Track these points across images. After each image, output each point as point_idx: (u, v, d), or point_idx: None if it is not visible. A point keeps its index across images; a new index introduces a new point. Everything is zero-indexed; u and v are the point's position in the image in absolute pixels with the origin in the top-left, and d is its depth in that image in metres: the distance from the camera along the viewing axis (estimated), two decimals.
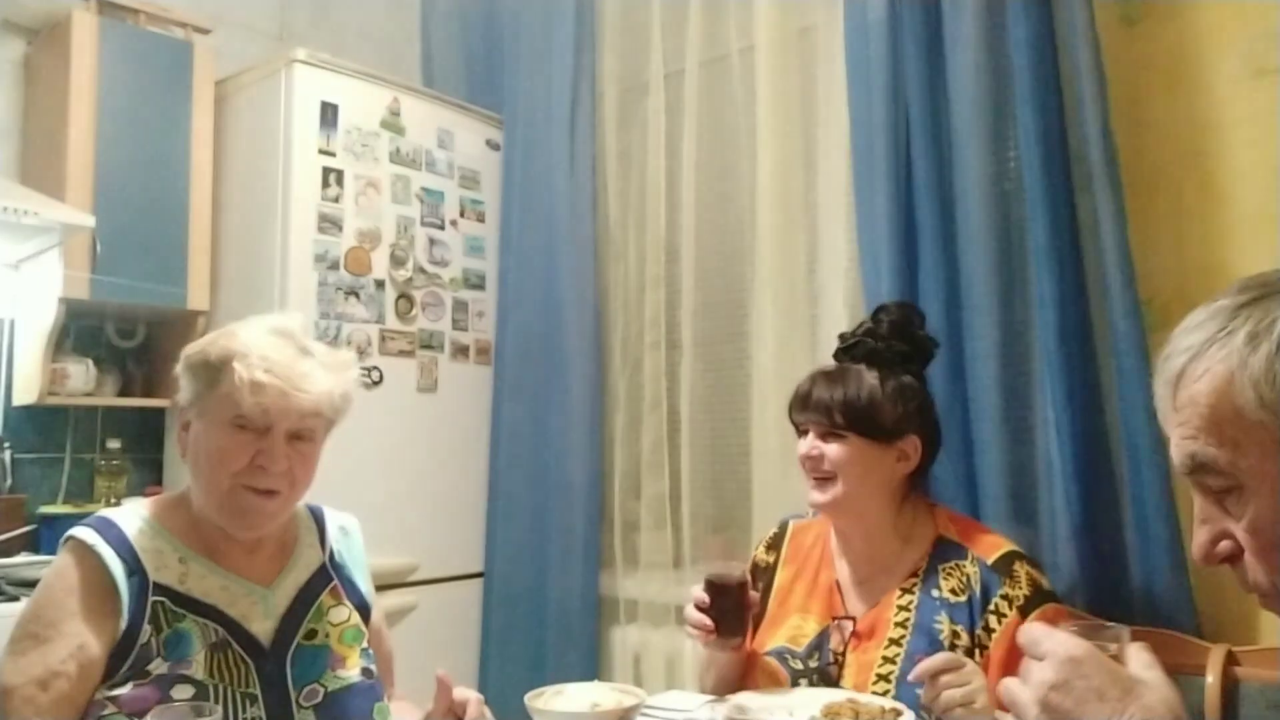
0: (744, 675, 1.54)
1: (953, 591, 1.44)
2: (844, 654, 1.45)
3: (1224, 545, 0.75)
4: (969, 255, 1.86)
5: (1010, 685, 0.78)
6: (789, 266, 2.28)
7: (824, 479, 1.49)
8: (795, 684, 1.45)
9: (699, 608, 1.44)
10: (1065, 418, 1.73)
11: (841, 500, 1.48)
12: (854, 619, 1.47)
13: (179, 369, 1.27)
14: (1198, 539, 0.77)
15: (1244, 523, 0.73)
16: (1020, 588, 1.41)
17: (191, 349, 1.27)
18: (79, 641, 1.13)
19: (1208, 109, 1.79)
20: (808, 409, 1.52)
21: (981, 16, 1.86)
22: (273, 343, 1.24)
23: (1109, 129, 1.75)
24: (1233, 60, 1.76)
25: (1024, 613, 1.38)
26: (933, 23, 1.93)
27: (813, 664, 1.46)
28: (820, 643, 1.48)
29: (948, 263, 1.89)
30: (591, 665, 2.56)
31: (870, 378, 1.50)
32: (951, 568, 1.46)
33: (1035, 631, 0.79)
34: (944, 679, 1.24)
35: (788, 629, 1.52)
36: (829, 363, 1.60)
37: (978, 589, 1.43)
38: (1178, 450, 0.75)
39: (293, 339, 1.27)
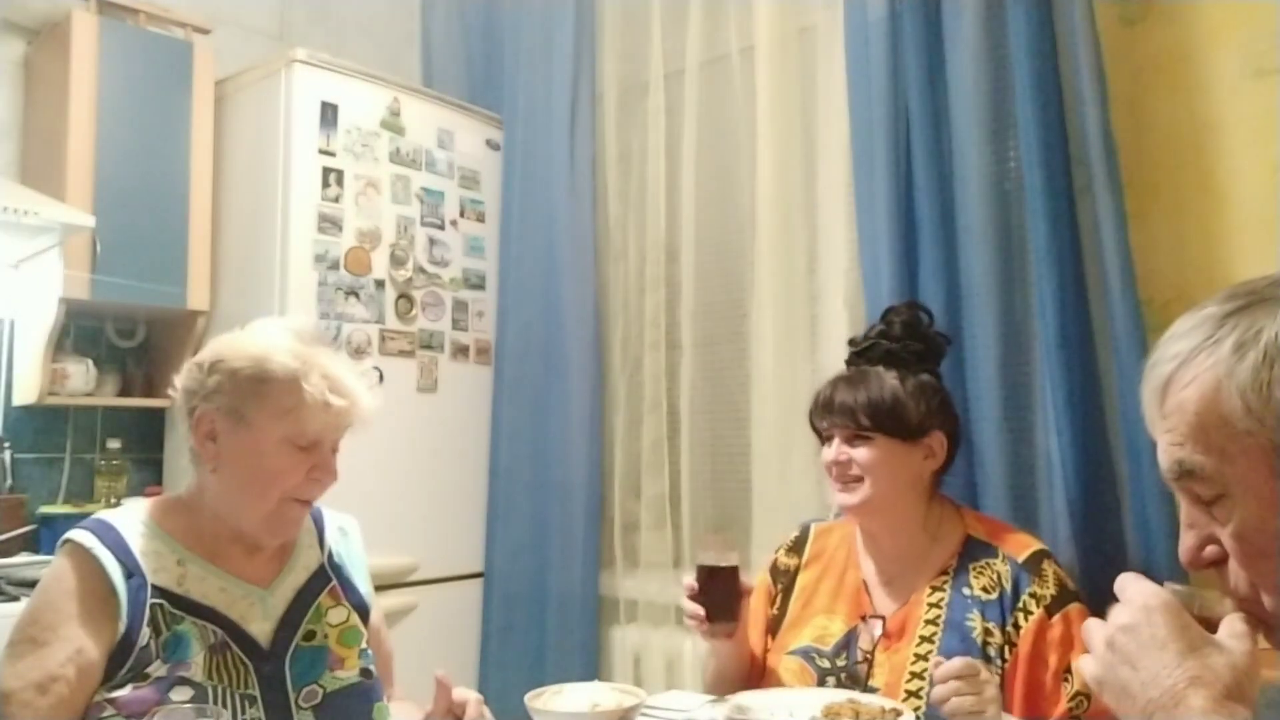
0: (746, 669, 1.54)
1: (984, 589, 1.44)
2: (873, 653, 1.45)
3: (1210, 550, 0.76)
4: (969, 255, 1.86)
5: (1091, 623, 0.79)
6: (789, 266, 2.28)
7: (852, 481, 1.49)
8: (822, 683, 1.45)
9: (690, 596, 1.44)
10: (1065, 418, 1.73)
11: (871, 501, 1.47)
12: (883, 617, 1.47)
13: (213, 375, 1.22)
14: (1184, 543, 0.78)
15: (1229, 529, 0.73)
16: (1048, 587, 1.42)
17: (237, 359, 1.22)
18: (77, 645, 1.12)
19: (1208, 109, 1.79)
20: (832, 413, 1.51)
21: (981, 16, 1.86)
22: (318, 354, 1.24)
23: (1109, 129, 1.75)
24: (1233, 60, 1.76)
25: (1050, 611, 1.39)
26: (933, 23, 1.93)
27: (840, 663, 1.46)
28: (848, 642, 1.48)
29: (948, 263, 1.89)
30: (591, 665, 2.56)
31: (890, 378, 1.50)
32: (982, 566, 1.46)
33: (1126, 578, 0.78)
34: (957, 684, 1.24)
35: (813, 629, 1.52)
36: (842, 369, 1.59)
37: (1009, 586, 1.43)
38: (1165, 456, 0.76)
39: (329, 347, 1.28)
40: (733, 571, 1.44)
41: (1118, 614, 0.75)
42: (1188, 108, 1.81)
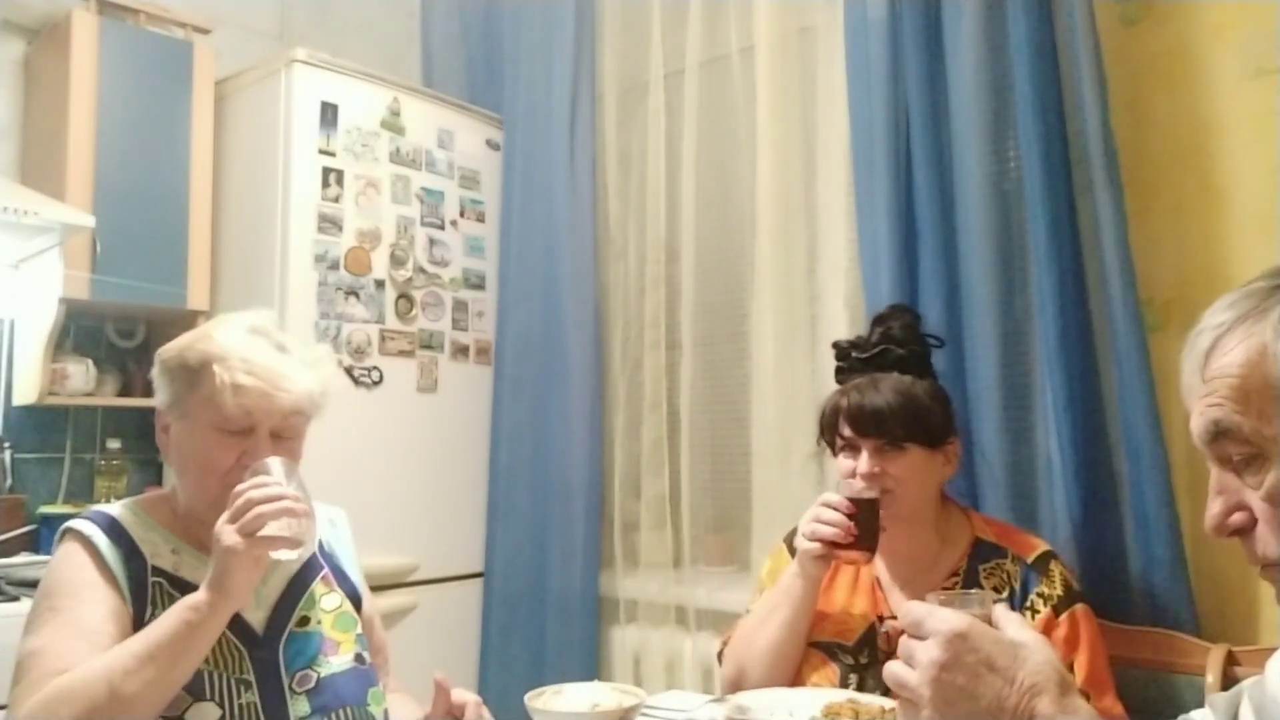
0: (806, 634, 1.50)
1: (995, 589, 1.45)
2: (890, 652, 1.45)
3: (1237, 517, 0.77)
4: (969, 255, 1.86)
5: (895, 669, 0.78)
6: (789, 266, 2.27)
7: (882, 494, 1.45)
8: (846, 678, 1.46)
9: (846, 513, 1.40)
10: (1065, 417, 1.73)
11: (900, 513, 1.46)
12: (896, 618, 1.47)
13: (155, 371, 1.27)
14: (1212, 510, 0.78)
15: (1261, 491, 0.75)
16: (1055, 586, 1.43)
17: (168, 352, 1.26)
18: (111, 606, 1.14)
19: (1208, 109, 1.79)
20: (863, 423, 1.46)
21: (981, 16, 1.86)
22: (251, 343, 1.24)
23: (1109, 129, 1.75)
24: (1233, 60, 1.76)
25: (1057, 611, 1.41)
26: (933, 23, 1.93)
27: (863, 660, 1.48)
28: (868, 639, 1.48)
29: (948, 263, 1.89)
30: (591, 665, 2.56)
31: (906, 384, 1.48)
32: (992, 568, 1.47)
33: (917, 611, 0.79)
34: None
35: (834, 624, 1.52)
36: (846, 376, 1.56)
37: (1018, 586, 1.45)
38: (1201, 419, 0.77)
39: (269, 337, 1.27)
40: (877, 502, 1.42)
41: (928, 651, 0.75)
42: (1188, 108, 1.81)
